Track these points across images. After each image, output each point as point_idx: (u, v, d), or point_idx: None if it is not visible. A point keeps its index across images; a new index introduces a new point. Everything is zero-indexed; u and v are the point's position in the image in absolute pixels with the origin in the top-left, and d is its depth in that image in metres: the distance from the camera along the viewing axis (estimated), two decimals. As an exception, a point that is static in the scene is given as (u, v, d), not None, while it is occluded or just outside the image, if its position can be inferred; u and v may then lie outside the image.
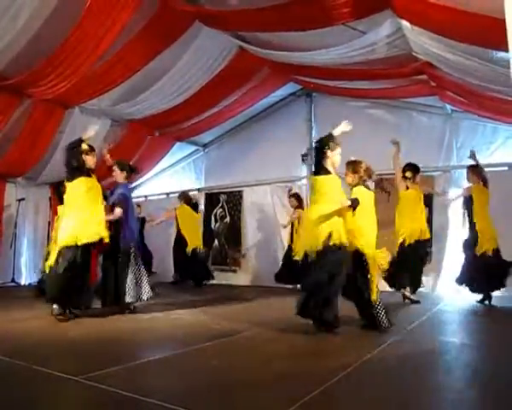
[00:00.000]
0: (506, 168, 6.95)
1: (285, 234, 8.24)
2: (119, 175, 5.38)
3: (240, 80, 7.61)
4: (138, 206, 9.00)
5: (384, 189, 7.50)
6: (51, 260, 4.62)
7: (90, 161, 4.89)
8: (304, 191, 8.54)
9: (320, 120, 8.80)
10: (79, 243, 4.55)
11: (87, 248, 4.67)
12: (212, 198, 9.86)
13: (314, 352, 3.36)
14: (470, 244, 5.95)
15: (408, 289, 5.81)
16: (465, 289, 6.04)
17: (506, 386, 2.54)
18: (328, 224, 3.92)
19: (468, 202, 6.10)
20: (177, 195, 9.47)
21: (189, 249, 8.29)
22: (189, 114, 8.19)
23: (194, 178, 10.35)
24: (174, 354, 3.27)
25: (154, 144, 8.99)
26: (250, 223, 9.27)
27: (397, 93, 7.35)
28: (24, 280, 8.80)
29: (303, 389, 2.37)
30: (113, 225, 5.02)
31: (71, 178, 4.80)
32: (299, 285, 6.72)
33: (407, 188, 5.94)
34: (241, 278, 9.10)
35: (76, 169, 4.77)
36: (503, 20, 2.79)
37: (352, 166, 4.44)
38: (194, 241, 8.47)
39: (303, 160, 8.70)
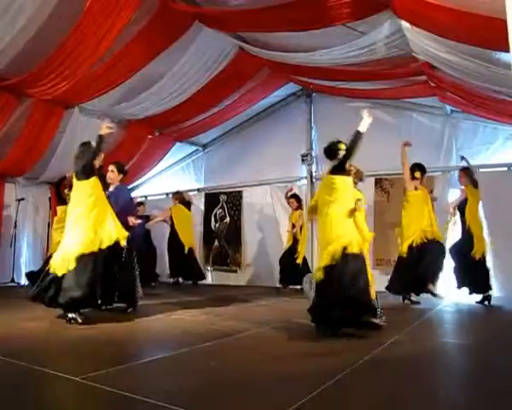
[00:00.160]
0: (505, 169, 6.95)
1: (285, 234, 8.20)
2: (116, 177, 5.35)
3: (239, 81, 7.62)
4: (142, 204, 9.00)
5: (384, 189, 7.51)
6: (66, 266, 4.32)
7: (99, 160, 4.82)
8: (303, 192, 8.54)
9: (320, 121, 8.81)
10: (103, 247, 4.44)
11: (110, 251, 4.52)
12: (211, 198, 9.87)
13: (314, 352, 3.36)
14: (463, 247, 5.89)
15: (430, 286, 5.63)
16: (465, 291, 6.03)
17: (506, 386, 2.55)
18: (351, 230, 3.91)
19: (463, 205, 6.07)
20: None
21: (186, 249, 8.36)
22: (189, 114, 8.20)
23: (194, 179, 10.35)
24: (174, 355, 3.27)
25: (154, 144, 9.00)
26: (250, 223, 9.27)
27: (396, 94, 7.35)
28: (24, 280, 8.80)
29: (303, 389, 2.37)
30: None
31: (86, 176, 4.59)
32: (299, 286, 6.77)
33: (415, 188, 5.85)
34: (240, 279, 9.11)
35: (92, 168, 4.66)
36: (503, 21, 2.79)
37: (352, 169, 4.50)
38: (189, 240, 8.53)
39: (303, 160, 8.71)
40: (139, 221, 4.91)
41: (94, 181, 4.62)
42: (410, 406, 2.27)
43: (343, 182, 4.05)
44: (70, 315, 4.32)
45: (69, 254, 4.35)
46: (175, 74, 6.87)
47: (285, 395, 2.35)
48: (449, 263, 6.21)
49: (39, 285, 4.49)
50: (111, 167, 5.36)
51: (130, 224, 4.99)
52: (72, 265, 4.29)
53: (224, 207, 9.62)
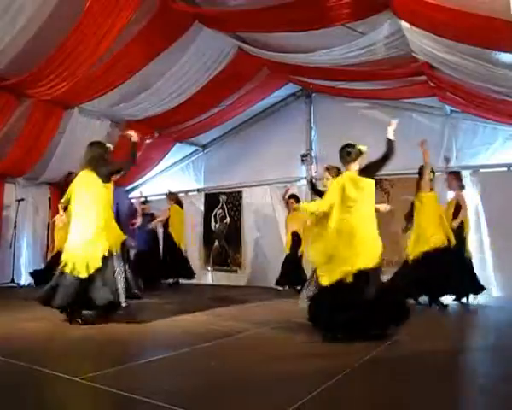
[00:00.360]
0: (505, 169, 6.95)
1: (284, 235, 8.15)
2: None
3: (239, 81, 7.63)
4: (147, 202, 9.00)
5: (384, 189, 7.52)
6: (92, 266, 4.25)
7: None
8: (303, 192, 8.53)
9: (319, 121, 8.82)
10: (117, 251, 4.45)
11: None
12: (211, 199, 9.87)
13: (314, 352, 3.36)
14: (458, 250, 5.74)
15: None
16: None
17: (507, 388, 2.55)
18: (371, 238, 3.83)
19: (457, 210, 5.98)
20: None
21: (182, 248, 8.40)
22: (188, 114, 8.20)
23: (194, 179, 10.35)
24: (174, 355, 3.27)
25: (154, 145, 8.98)
26: (250, 223, 9.27)
27: (396, 94, 7.36)
28: (23, 280, 8.80)
29: (303, 389, 2.38)
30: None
31: (108, 180, 4.61)
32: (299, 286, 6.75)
33: (430, 190, 5.68)
34: (241, 279, 9.11)
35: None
36: (502, 21, 2.80)
37: (335, 170, 4.53)
38: (183, 240, 8.55)
39: (302, 160, 8.71)
40: (138, 223, 4.87)
41: (110, 186, 4.67)
42: (410, 406, 2.27)
43: (373, 185, 3.98)
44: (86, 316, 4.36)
45: (93, 256, 4.28)
46: (174, 75, 6.87)
47: (285, 394, 2.35)
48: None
49: (52, 287, 4.32)
50: None
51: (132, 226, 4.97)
52: (97, 266, 4.26)
53: (224, 207, 9.62)
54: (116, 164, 4.78)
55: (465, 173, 7.13)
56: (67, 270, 4.26)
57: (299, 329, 4.12)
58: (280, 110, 9.27)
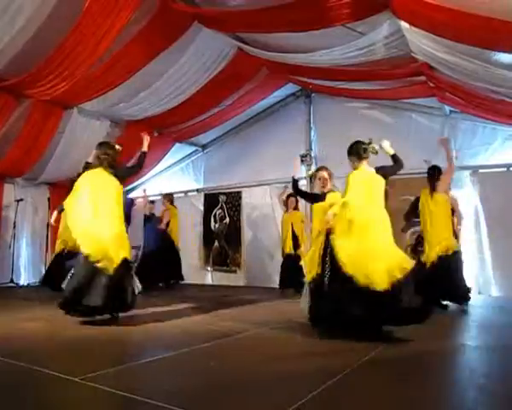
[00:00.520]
0: (504, 169, 6.96)
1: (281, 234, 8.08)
2: None
3: (239, 81, 7.63)
4: (153, 202, 9.01)
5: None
6: (117, 264, 4.20)
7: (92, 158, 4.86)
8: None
9: (319, 121, 8.83)
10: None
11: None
12: (211, 199, 9.87)
13: (314, 352, 3.35)
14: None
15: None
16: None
17: (507, 389, 2.55)
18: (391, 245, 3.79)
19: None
20: (177, 196, 9.48)
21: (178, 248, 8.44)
22: (188, 114, 8.21)
23: (194, 179, 10.37)
24: (173, 355, 3.26)
25: (153, 145, 8.95)
26: (249, 223, 9.28)
27: (395, 94, 7.37)
28: (23, 281, 8.80)
29: (303, 388, 2.37)
30: None
31: (123, 182, 4.63)
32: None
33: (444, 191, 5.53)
34: (240, 279, 9.12)
35: None
36: (502, 21, 2.80)
37: (329, 172, 4.51)
38: (178, 240, 8.57)
39: (302, 160, 8.71)
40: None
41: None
42: (410, 406, 2.26)
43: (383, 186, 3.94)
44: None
45: (118, 255, 4.26)
46: (174, 75, 6.88)
47: (285, 394, 2.35)
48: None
49: (78, 289, 4.16)
50: None
51: None
52: (119, 264, 4.26)
53: (224, 207, 9.63)
54: (130, 168, 4.86)
55: (464, 174, 7.15)
56: (102, 265, 4.16)
57: (299, 329, 4.12)
58: (279, 110, 9.28)
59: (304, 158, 8.68)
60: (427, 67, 5.71)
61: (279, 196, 8.03)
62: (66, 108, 7.19)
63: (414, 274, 3.61)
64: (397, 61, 5.77)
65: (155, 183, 10.62)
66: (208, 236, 9.75)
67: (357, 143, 4.02)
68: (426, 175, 5.82)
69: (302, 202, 7.66)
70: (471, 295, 5.59)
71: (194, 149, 10.26)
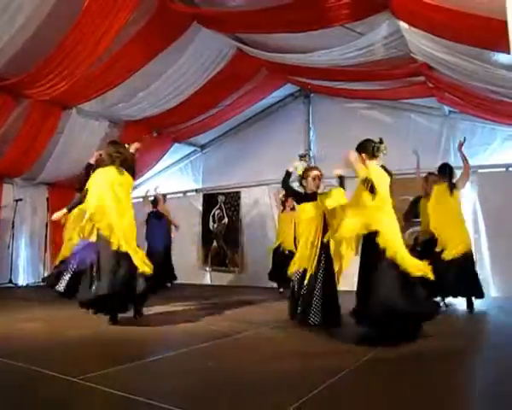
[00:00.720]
0: (503, 169, 6.97)
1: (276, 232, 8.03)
2: None
3: (238, 82, 7.63)
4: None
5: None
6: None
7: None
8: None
9: (318, 121, 8.83)
10: None
11: None
12: (209, 199, 9.86)
13: (314, 352, 3.35)
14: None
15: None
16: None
17: (506, 388, 2.55)
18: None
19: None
20: (176, 196, 9.47)
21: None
22: (187, 115, 8.20)
23: (192, 179, 10.36)
24: (172, 355, 3.26)
25: (152, 145, 8.98)
26: (248, 224, 9.27)
27: (394, 94, 7.37)
28: (21, 281, 8.78)
29: (304, 388, 2.37)
30: None
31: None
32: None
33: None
34: (239, 279, 9.11)
35: None
36: (501, 21, 2.80)
37: (322, 173, 4.69)
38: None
39: (300, 160, 8.69)
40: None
41: None
42: (410, 406, 2.26)
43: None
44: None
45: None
46: (173, 75, 6.87)
47: (286, 393, 2.35)
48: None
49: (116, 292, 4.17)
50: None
51: None
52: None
53: (222, 207, 9.62)
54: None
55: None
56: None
57: (298, 329, 4.12)
58: (278, 111, 9.28)
59: (303, 158, 8.63)
60: (426, 68, 5.71)
61: (276, 194, 8.04)
62: (65, 108, 7.17)
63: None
64: (396, 61, 5.77)
65: (154, 183, 10.59)
66: (207, 236, 9.74)
67: (368, 140, 4.02)
68: (423, 175, 5.84)
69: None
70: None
71: (192, 149, 10.25)
